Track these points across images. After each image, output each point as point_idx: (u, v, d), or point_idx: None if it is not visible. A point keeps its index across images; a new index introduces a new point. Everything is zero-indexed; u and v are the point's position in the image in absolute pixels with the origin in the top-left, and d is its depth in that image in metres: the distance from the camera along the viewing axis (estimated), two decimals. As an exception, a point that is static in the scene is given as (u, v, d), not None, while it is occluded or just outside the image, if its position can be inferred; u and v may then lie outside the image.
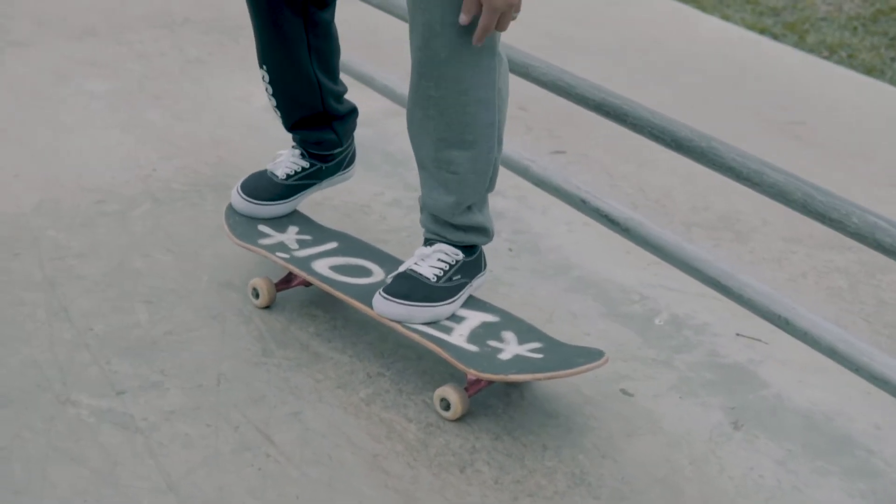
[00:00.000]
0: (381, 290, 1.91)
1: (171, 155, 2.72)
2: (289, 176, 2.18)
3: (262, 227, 2.13)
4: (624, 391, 1.98)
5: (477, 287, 2.01)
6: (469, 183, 1.87)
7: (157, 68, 3.26)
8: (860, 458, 1.86)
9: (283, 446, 1.79)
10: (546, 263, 2.37)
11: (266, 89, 2.10)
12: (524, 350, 1.86)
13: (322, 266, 2.04)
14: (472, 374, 1.78)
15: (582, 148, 2.94)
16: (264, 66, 2.07)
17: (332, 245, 2.11)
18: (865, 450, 1.88)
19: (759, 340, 2.14)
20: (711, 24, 4.15)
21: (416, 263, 1.93)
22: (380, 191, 2.61)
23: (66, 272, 2.21)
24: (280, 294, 2.15)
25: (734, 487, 1.77)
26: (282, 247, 2.07)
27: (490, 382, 1.88)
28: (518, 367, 1.79)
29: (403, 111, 1.95)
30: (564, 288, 2.28)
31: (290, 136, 2.20)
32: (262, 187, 2.16)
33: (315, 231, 2.16)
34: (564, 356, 1.83)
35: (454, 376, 1.94)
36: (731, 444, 1.87)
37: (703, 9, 4.37)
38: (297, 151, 2.20)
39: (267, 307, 2.10)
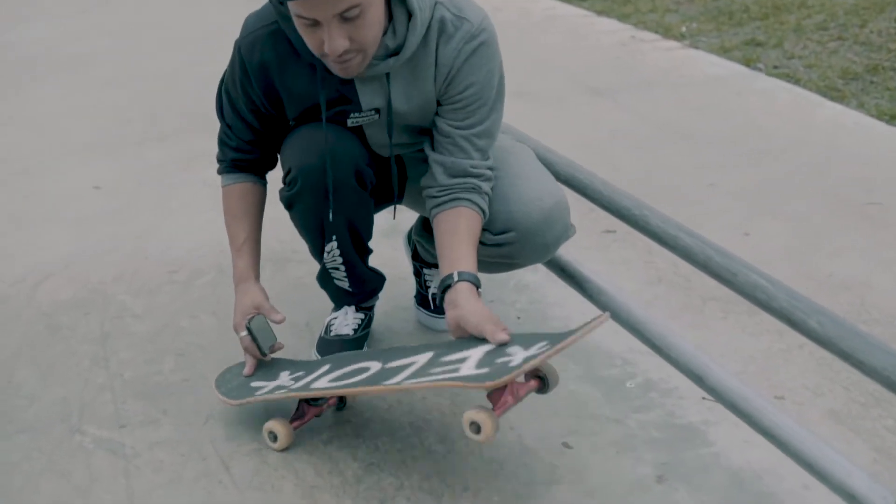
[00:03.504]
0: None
1: (270, 232, 3.05)
2: (356, 330, 2.37)
3: (255, 383, 2.17)
4: (565, 444, 2.11)
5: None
6: None
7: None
8: (773, 513, 1.90)
9: (237, 475, 2.04)
10: (547, 330, 2.52)
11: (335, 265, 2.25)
12: (532, 350, 1.86)
13: (322, 382, 2.05)
14: (488, 385, 1.75)
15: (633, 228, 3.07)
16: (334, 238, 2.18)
17: (325, 367, 2.14)
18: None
19: (782, 398, 2.21)
20: (829, 111, 4.15)
21: None
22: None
23: (121, 329, 2.58)
24: (289, 350, 2.40)
25: (631, 533, 1.86)
26: (279, 388, 2.10)
27: (514, 397, 1.85)
28: (528, 360, 1.77)
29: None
30: (553, 352, 2.43)
31: None
32: (340, 350, 2.32)
33: (304, 366, 2.19)
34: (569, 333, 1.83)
35: (417, 422, 2.12)
36: (647, 496, 1.96)
37: (843, 97, 4.35)
38: (351, 308, 2.38)
39: (285, 449, 2.12)
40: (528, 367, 1.75)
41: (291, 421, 2.12)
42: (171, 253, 2.98)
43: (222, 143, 2.19)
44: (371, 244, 2.28)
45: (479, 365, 1.85)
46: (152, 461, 2.09)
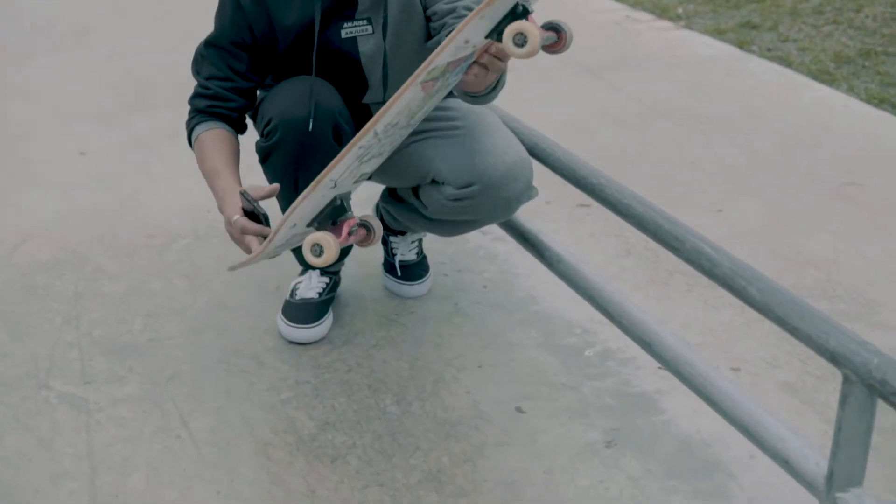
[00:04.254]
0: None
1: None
2: (320, 293, 2.40)
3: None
4: (519, 409, 2.15)
5: None
6: None
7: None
8: (717, 481, 1.93)
9: (195, 432, 2.09)
10: (511, 299, 2.56)
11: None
12: None
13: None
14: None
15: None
16: None
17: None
18: (727, 474, 1.95)
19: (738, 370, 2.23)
20: (818, 94, 4.15)
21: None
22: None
23: (95, 290, 2.62)
24: (258, 312, 2.44)
25: (574, 496, 1.90)
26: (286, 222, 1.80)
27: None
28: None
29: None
30: (516, 321, 2.47)
31: None
32: (305, 313, 2.37)
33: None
34: None
35: (375, 384, 2.19)
36: (594, 459, 1.99)
37: (833, 80, 4.35)
38: (315, 272, 2.41)
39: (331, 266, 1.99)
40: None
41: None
42: (150, 218, 3.02)
43: (198, 96, 2.17)
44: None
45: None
46: (114, 417, 2.13)
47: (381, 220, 2.55)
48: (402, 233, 2.52)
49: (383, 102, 2.14)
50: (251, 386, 2.22)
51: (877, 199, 3.12)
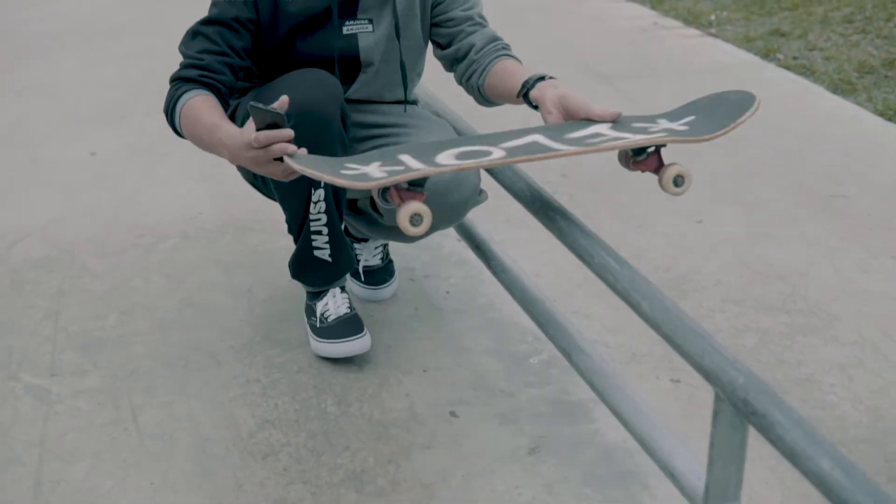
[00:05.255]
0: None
1: (224, 202, 3.20)
2: (350, 308, 2.40)
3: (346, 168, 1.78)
4: (452, 413, 2.22)
5: None
6: None
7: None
8: (630, 492, 1.98)
9: (142, 425, 2.19)
10: (472, 305, 2.62)
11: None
12: (675, 125, 1.92)
13: (449, 159, 1.79)
14: (707, 138, 1.82)
15: (590, 210, 3.15)
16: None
17: (430, 147, 1.89)
18: (642, 486, 2.00)
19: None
20: (829, 104, 4.14)
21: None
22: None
23: (78, 287, 2.75)
24: (226, 312, 2.55)
25: (487, 500, 1.96)
26: (394, 171, 1.74)
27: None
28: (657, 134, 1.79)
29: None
30: (471, 326, 2.53)
31: None
32: (349, 327, 2.36)
33: (390, 154, 1.87)
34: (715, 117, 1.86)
35: (321, 385, 2.29)
36: (515, 465, 2.05)
37: (854, 90, 4.32)
38: (335, 289, 2.42)
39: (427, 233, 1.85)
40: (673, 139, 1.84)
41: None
42: (144, 218, 3.14)
43: (188, 67, 2.10)
44: None
45: (632, 132, 1.90)
46: (71, 408, 2.25)
47: (345, 228, 2.63)
48: (365, 239, 2.60)
49: (384, 102, 2.32)
50: (205, 383, 2.32)
51: (862, 212, 3.12)
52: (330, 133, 2.10)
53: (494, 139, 1.92)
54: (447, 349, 2.43)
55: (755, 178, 3.39)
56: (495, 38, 2.25)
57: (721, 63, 4.69)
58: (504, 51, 2.23)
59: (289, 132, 1.77)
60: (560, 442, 2.11)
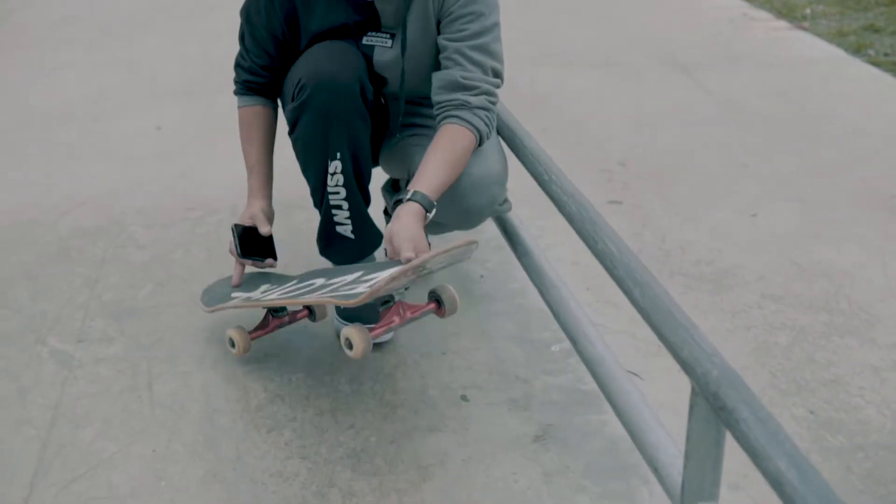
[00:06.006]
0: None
1: (278, 179, 3.21)
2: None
3: (235, 294, 2.33)
4: (464, 397, 2.19)
5: None
6: None
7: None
8: (630, 485, 1.93)
9: (157, 394, 2.22)
10: (502, 291, 2.59)
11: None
12: (384, 273, 1.94)
13: (275, 294, 2.18)
14: (345, 303, 1.88)
15: (642, 201, 3.09)
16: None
17: (293, 282, 2.23)
18: (642, 480, 1.94)
19: (637, 375, 2.23)
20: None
21: None
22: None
23: (120, 257, 2.80)
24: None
25: (481, 485, 1.93)
26: (248, 298, 2.24)
27: (400, 318, 2.04)
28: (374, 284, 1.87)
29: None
30: (497, 311, 2.50)
31: None
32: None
33: (279, 280, 2.32)
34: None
35: (336, 363, 2.28)
36: (517, 452, 2.02)
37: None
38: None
39: (244, 355, 2.29)
40: (371, 292, 1.83)
41: (253, 331, 2.29)
42: (197, 192, 3.19)
43: (238, 65, 2.34)
44: None
45: (355, 282, 1.97)
46: (91, 374, 2.29)
47: (385, 211, 2.63)
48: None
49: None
50: (224, 356, 2.34)
51: (928, 213, 2.99)
52: (343, 103, 2.11)
53: (328, 274, 2.16)
54: (469, 333, 2.40)
55: (821, 176, 3.27)
56: (454, 88, 2.15)
57: (805, 57, 4.54)
58: (448, 113, 2.15)
59: (240, 270, 2.34)
60: (568, 431, 2.06)
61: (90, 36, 5.12)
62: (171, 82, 4.26)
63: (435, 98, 2.17)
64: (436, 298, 2.06)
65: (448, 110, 2.14)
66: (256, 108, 2.34)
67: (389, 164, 2.44)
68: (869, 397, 2.15)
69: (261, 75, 2.30)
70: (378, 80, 2.27)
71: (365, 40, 2.21)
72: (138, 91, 4.16)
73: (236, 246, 2.27)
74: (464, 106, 2.12)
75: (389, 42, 2.21)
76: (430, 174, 2.06)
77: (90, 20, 5.45)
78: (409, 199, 2.02)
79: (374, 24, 2.21)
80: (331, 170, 2.17)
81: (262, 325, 2.31)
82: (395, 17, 2.18)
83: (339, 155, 2.15)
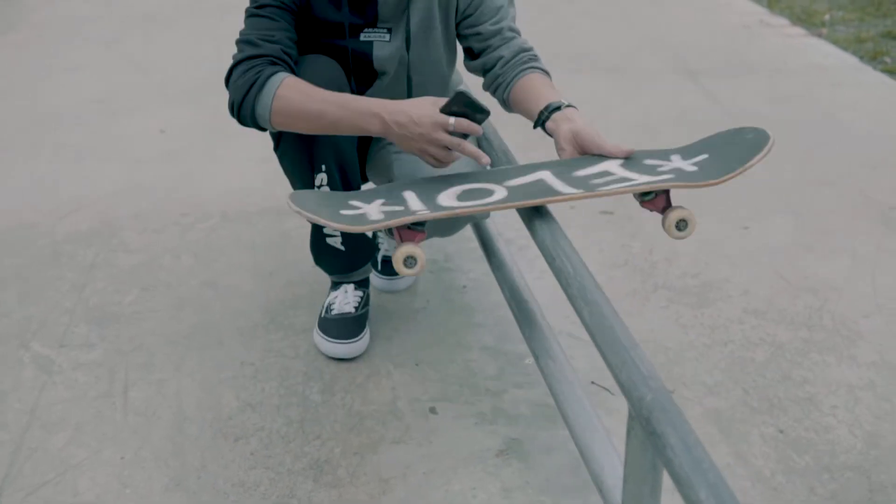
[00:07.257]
0: None
1: (275, 185, 3.24)
2: (357, 308, 2.40)
3: (346, 210, 1.83)
4: (432, 409, 2.20)
5: None
6: None
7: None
8: (588, 500, 1.93)
9: (131, 400, 2.25)
10: (483, 302, 2.60)
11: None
12: (686, 164, 1.87)
13: (450, 200, 1.83)
14: (711, 183, 1.74)
15: (634, 211, 3.07)
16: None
17: (430, 185, 1.93)
18: (602, 495, 1.94)
19: (608, 391, 2.23)
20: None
21: None
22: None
23: (109, 261, 2.84)
24: (243, 294, 2.59)
25: (440, 499, 1.93)
26: (393, 213, 1.80)
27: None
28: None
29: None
30: (476, 323, 2.51)
31: None
32: (344, 328, 2.38)
33: (394, 192, 1.92)
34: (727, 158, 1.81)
35: (311, 371, 2.30)
36: (479, 466, 2.02)
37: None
38: (349, 286, 2.42)
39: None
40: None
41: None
42: (193, 196, 3.22)
43: (263, 42, 2.11)
44: None
45: (640, 172, 1.85)
46: (69, 379, 2.32)
47: None
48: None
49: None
50: (201, 363, 2.36)
51: (924, 227, 2.95)
52: None
53: (500, 176, 1.94)
54: (445, 344, 2.41)
55: (820, 187, 3.24)
56: (523, 50, 2.20)
57: (816, 65, 4.50)
58: (530, 64, 2.18)
59: (479, 129, 1.92)
60: (531, 446, 2.07)
61: (107, 36, 5.18)
62: (180, 84, 4.30)
63: (507, 58, 2.20)
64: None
65: (526, 64, 2.18)
66: (293, 77, 2.04)
67: (371, 172, 2.45)
68: (841, 416, 2.13)
69: (291, 48, 2.10)
70: (371, 78, 2.26)
71: (363, 37, 2.21)
72: (146, 93, 4.20)
73: (475, 108, 1.89)
74: (535, 59, 2.20)
75: (387, 36, 2.21)
76: (555, 92, 2.09)
77: (108, 20, 5.51)
78: (568, 106, 2.03)
79: (371, 23, 2.21)
80: (317, 182, 2.19)
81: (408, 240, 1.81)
82: (395, 10, 2.19)
83: (324, 167, 2.17)
